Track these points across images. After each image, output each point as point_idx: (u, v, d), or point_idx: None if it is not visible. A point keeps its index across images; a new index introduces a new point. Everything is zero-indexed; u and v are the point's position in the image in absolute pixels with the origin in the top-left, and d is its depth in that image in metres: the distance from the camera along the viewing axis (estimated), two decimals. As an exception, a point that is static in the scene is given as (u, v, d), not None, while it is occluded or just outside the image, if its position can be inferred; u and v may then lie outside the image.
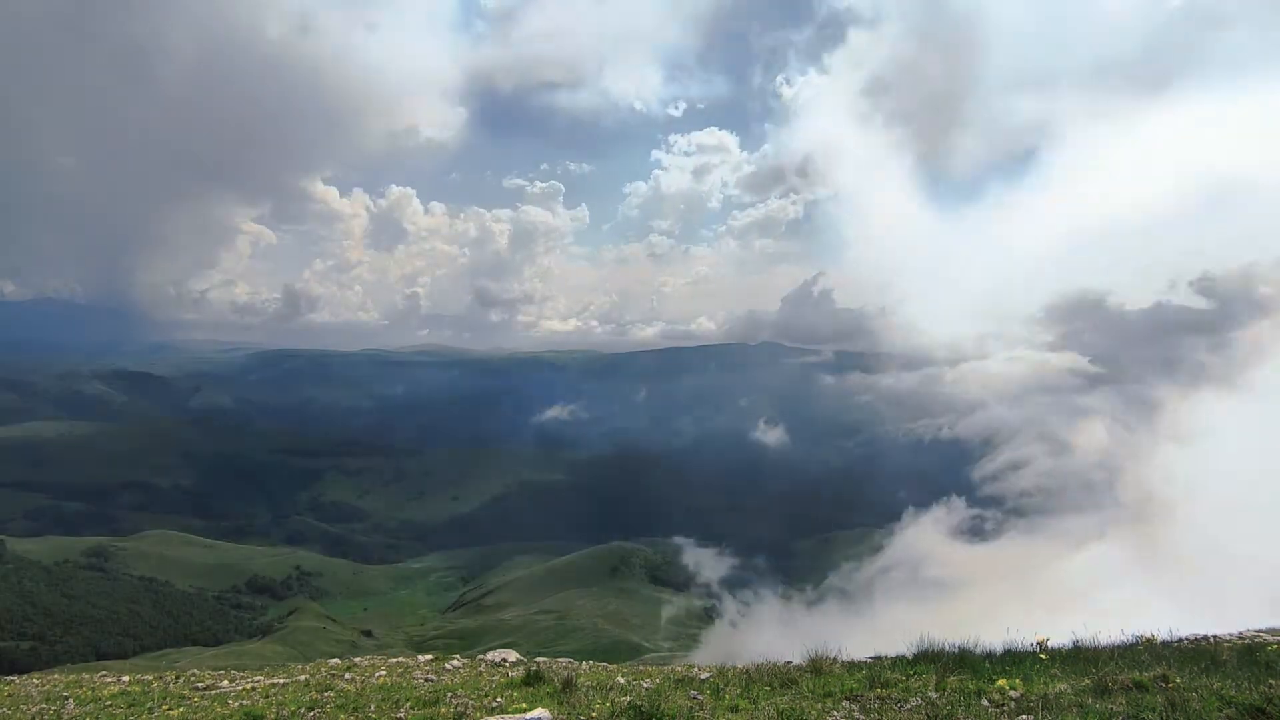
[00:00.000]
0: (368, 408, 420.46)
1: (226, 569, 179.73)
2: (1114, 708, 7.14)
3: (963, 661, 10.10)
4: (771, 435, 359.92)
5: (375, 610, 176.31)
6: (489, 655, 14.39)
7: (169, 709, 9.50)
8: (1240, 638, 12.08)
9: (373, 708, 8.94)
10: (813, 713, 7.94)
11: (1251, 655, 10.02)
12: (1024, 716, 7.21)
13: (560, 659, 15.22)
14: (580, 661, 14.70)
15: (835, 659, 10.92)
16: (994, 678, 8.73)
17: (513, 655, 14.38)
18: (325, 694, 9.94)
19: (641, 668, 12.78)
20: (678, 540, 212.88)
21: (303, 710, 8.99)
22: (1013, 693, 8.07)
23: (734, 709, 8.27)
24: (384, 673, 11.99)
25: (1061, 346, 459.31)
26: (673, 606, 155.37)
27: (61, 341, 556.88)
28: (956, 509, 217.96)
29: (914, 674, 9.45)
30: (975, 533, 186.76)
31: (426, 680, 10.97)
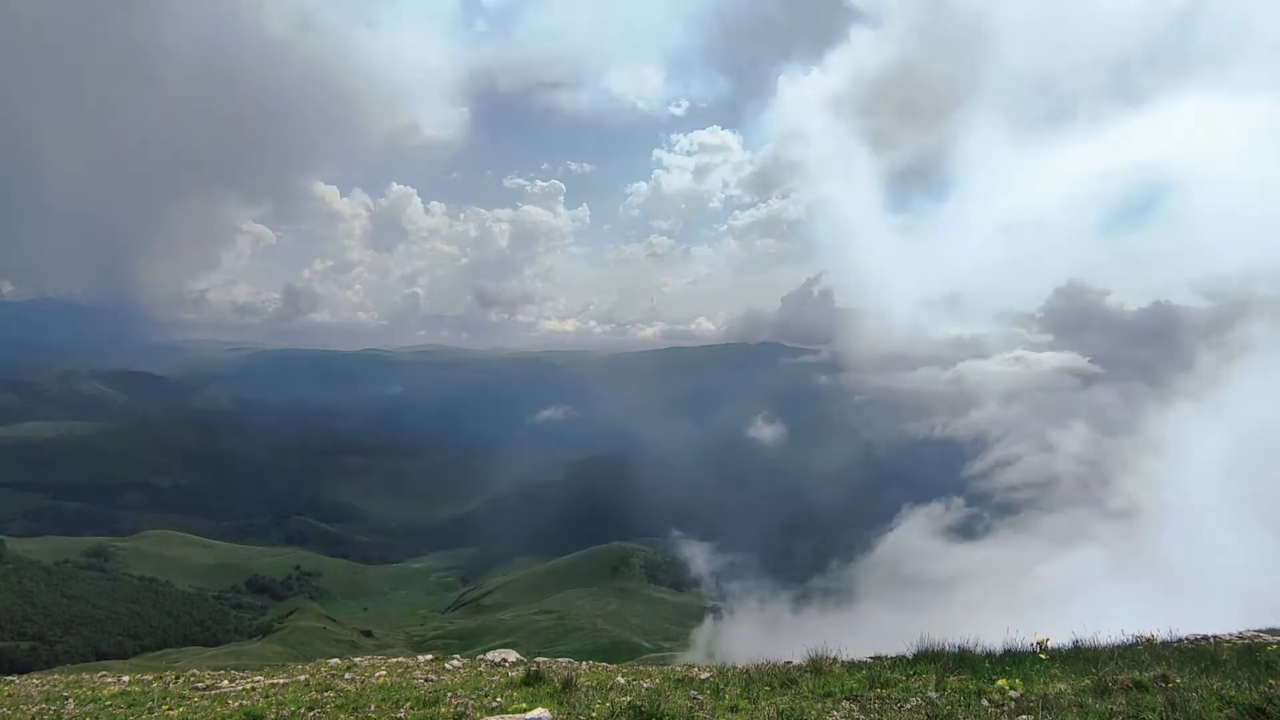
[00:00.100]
0: (368, 408, 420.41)
1: (226, 569, 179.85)
2: (1114, 708, 7.14)
3: (963, 661, 10.10)
4: (771, 435, 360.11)
5: (375, 610, 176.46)
6: (489, 655, 14.39)
7: (169, 709, 9.50)
8: (1240, 638, 12.09)
9: (373, 708, 8.94)
10: (813, 713, 7.94)
11: (1251, 655, 10.03)
12: (1024, 716, 7.21)
13: (560, 659, 15.22)
14: (580, 661, 14.69)
15: (835, 659, 10.92)
16: (994, 678, 8.73)
17: (513, 655, 14.38)
18: (325, 694, 9.95)
19: (641, 668, 12.78)
20: (677, 540, 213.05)
21: (303, 710, 8.99)
22: (1013, 693, 8.07)
23: (734, 709, 8.27)
24: (384, 673, 11.99)
25: (1061, 346, 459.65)
26: (672, 606, 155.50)
27: (61, 341, 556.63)
28: (956, 508, 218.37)
29: (914, 674, 9.45)
30: (974, 532, 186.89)
31: (426, 680, 10.97)
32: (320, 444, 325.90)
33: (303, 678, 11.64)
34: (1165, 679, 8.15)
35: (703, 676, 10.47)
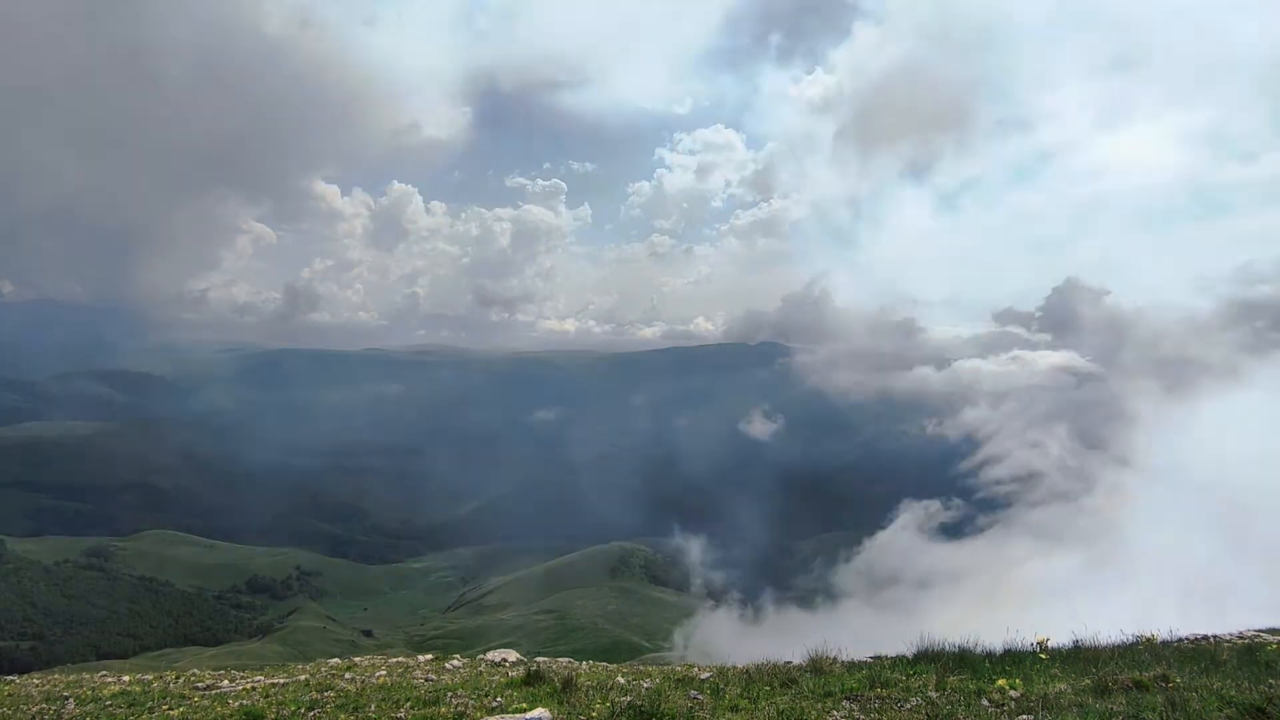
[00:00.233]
0: (368, 408, 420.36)
1: (226, 569, 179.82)
2: (1114, 707, 7.14)
3: (963, 661, 10.10)
4: (771, 435, 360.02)
5: (375, 610, 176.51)
6: (489, 655, 14.40)
7: (169, 709, 9.50)
8: (1240, 638, 12.09)
9: (373, 707, 8.94)
10: (813, 712, 7.94)
11: (1251, 655, 10.03)
12: (1024, 716, 7.21)
13: (560, 659, 15.23)
14: (580, 661, 14.70)
15: (835, 659, 10.93)
16: (994, 677, 8.74)
17: (513, 655, 14.39)
18: (325, 694, 9.94)
19: (641, 668, 12.78)
20: (677, 540, 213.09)
21: (303, 710, 8.99)
22: (1013, 692, 8.07)
23: (734, 709, 8.27)
24: (384, 672, 11.99)
25: (1059, 345, 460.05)
26: (672, 606, 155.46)
27: (62, 342, 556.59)
28: (955, 507, 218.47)
29: (914, 674, 9.46)
30: (974, 532, 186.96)
31: (426, 680, 10.97)
32: (320, 444, 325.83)
33: (303, 677, 11.64)
34: (1165, 679, 8.15)
35: (703, 676, 10.47)
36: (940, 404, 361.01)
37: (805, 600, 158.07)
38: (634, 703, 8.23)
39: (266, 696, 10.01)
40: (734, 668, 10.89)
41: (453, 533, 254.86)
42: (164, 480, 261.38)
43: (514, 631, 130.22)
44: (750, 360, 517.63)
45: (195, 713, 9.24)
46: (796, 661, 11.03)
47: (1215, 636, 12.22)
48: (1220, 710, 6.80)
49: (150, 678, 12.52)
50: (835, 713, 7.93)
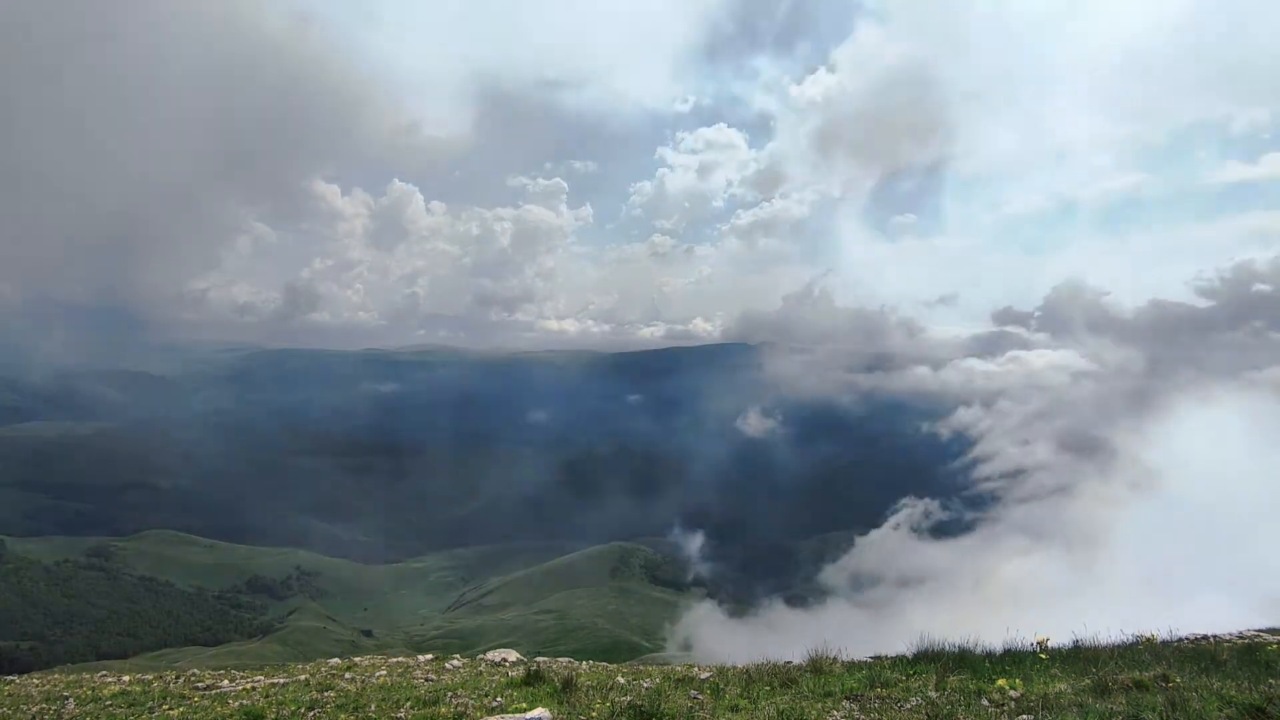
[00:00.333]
0: (368, 408, 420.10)
1: (226, 569, 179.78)
2: (1114, 707, 7.14)
3: (963, 661, 10.10)
4: (771, 435, 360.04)
5: (375, 610, 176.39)
6: (489, 655, 14.40)
7: (169, 709, 9.50)
8: (1240, 638, 12.09)
9: (373, 707, 8.95)
10: (813, 712, 7.95)
11: (1251, 655, 10.03)
12: (1024, 716, 7.21)
13: (560, 659, 15.23)
14: (580, 661, 14.71)
15: (835, 659, 10.93)
16: (994, 677, 8.74)
17: (513, 655, 14.39)
18: (326, 694, 9.95)
19: (641, 668, 12.78)
20: (677, 540, 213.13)
21: (303, 710, 9.00)
22: (1013, 692, 8.07)
23: (734, 709, 8.28)
24: (384, 672, 12.00)
25: (1058, 345, 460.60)
26: (672, 606, 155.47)
27: (61, 341, 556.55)
28: (953, 507, 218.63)
29: (914, 674, 9.46)
30: (971, 530, 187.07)
31: (426, 680, 10.98)
32: (320, 444, 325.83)
33: (303, 677, 11.64)
34: (1165, 679, 8.15)
35: (703, 676, 10.47)
36: (939, 404, 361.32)
37: (805, 599, 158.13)
38: (634, 703, 8.23)
39: (266, 696, 10.01)
40: (734, 668, 10.89)
41: (453, 533, 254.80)
42: (164, 480, 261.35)
43: (514, 631, 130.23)
44: (750, 360, 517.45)
45: (195, 713, 9.24)
46: (796, 661, 11.04)
47: (1215, 636, 12.22)
48: (1220, 710, 6.80)
49: (150, 678, 12.52)
50: (835, 713, 7.93)
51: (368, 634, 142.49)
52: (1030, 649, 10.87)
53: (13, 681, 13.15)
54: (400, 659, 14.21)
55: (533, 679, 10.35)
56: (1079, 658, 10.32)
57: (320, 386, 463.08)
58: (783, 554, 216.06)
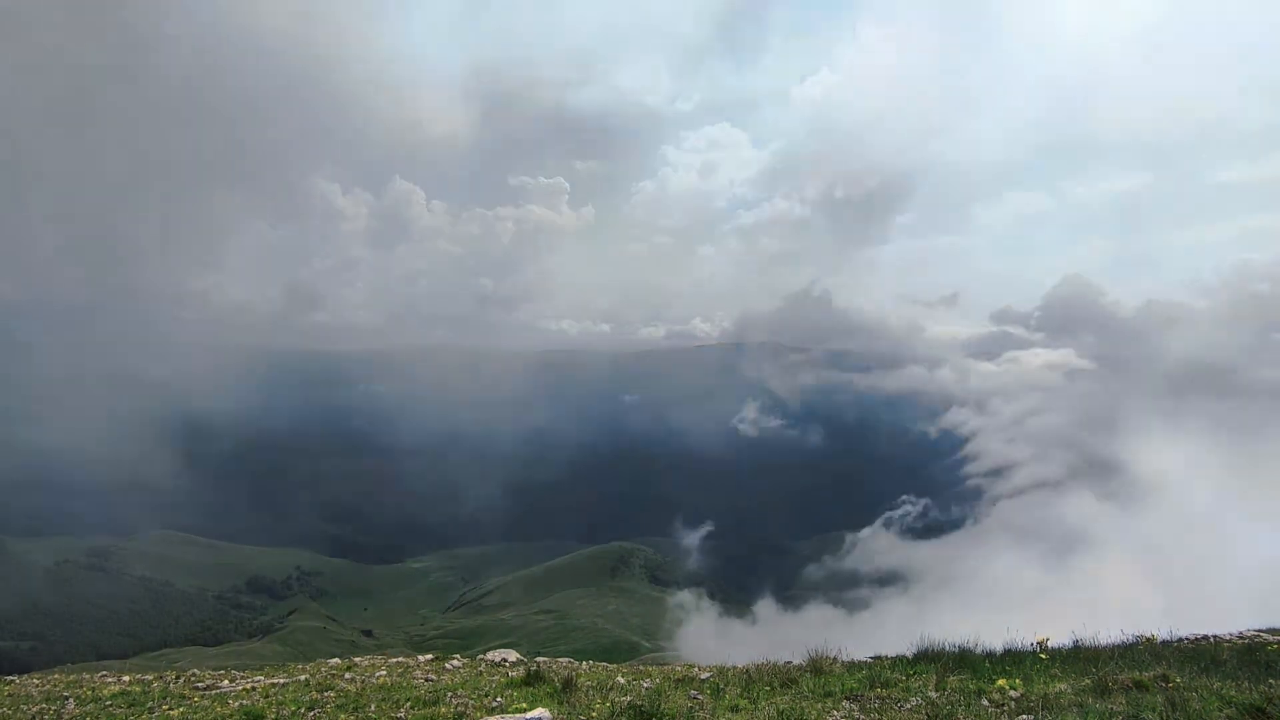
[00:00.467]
0: (368, 408, 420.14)
1: (226, 569, 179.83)
2: (1114, 707, 7.15)
3: (963, 661, 10.11)
4: (771, 435, 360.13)
5: (375, 610, 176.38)
6: (489, 655, 14.40)
7: (169, 709, 9.50)
8: (1240, 638, 12.09)
9: (373, 707, 8.95)
10: (813, 713, 7.95)
11: (1251, 655, 10.03)
12: (1024, 716, 7.21)
13: (560, 659, 15.24)
14: (580, 661, 14.71)
15: (835, 659, 10.93)
16: (994, 677, 8.74)
17: (513, 655, 14.39)
18: (326, 694, 9.95)
19: (641, 668, 12.79)
20: (677, 540, 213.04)
21: (303, 710, 9.00)
22: (1013, 692, 8.07)
23: (734, 709, 8.28)
24: (384, 673, 12.00)
25: (1057, 344, 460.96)
26: (673, 606, 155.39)
27: (61, 341, 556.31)
28: (951, 505, 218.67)
29: (914, 674, 9.46)
30: (968, 528, 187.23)
31: (426, 680, 10.98)
32: (320, 444, 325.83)
33: (303, 677, 11.64)
34: (1165, 679, 8.15)
35: (703, 676, 10.48)
36: (939, 403, 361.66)
37: (805, 599, 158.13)
38: (634, 703, 8.23)
39: (266, 696, 10.01)
40: (734, 668, 10.90)
41: (453, 533, 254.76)
42: (164, 480, 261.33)
43: (514, 631, 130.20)
44: (750, 360, 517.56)
45: (195, 713, 9.25)
46: (796, 661, 11.04)
47: (1215, 636, 12.22)
48: (1220, 710, 6.80)
49: (150, 678, 12.52)
50: (835, 713, 7.93)
51: (368, 634, 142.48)
52: (1030, 649, 10.88)
53: (13, 681, 13.15)
54: (400, 659, 14.21)
55: (533, 679, 10.36)
56: (1079, 657, 10.32)
57: (320, 386, 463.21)
58: (783, 553, 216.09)
